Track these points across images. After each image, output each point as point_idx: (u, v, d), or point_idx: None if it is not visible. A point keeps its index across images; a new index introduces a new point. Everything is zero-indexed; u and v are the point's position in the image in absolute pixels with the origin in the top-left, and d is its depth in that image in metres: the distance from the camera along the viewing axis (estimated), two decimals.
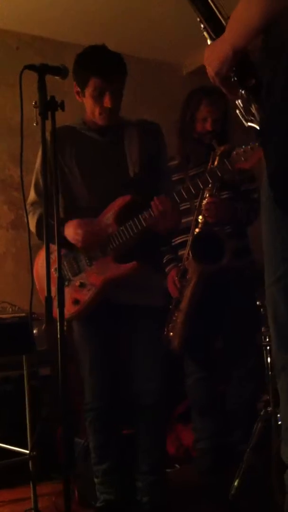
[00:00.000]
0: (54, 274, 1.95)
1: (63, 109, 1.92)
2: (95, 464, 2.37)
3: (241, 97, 1.47)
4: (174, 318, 2.81)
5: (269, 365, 2.36)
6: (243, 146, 2.17)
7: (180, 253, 2.94)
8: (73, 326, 2.41)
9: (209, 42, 1.53)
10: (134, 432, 2.36)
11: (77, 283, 2.32)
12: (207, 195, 2.77)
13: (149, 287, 2.33)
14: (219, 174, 2.25)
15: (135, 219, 2.23)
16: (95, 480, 2.38)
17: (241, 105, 1.47)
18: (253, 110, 1.45)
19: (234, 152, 2.19)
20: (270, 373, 2.35)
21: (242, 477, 2.30)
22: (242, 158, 2.15)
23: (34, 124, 1.87)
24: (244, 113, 1.47)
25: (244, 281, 2.83)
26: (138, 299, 2.30)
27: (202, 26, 1.55)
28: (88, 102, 2.30)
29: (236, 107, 1.48)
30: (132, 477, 2.34)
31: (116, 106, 2.31)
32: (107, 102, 2.25)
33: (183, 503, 2.43)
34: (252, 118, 1.46)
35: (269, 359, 2.37)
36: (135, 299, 2.30)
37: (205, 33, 1.54)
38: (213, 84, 1.53)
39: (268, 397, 2.34)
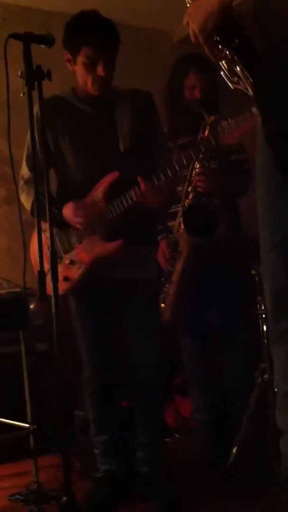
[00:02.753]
0: (47, 251, 1.93)
1: (50, 78, 1.88)
2: (94, 435, 2.40)
3: (225, 58, 1.41)
4: (165, 290, 2.80)
5: (265, 334, 2.36)
6: (229, 119, 2.11)
7: (170, 223, 2.90)
8: (69, 301, 2.40)
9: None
10: (133, 405, 2.37)
11: (67, 261, 2.32)
12: (198, 165, 2.73)
13: (140, 261, 2.31)
14: (213, 144, 2.21)
15: (122, 196, 2.20)
16: (95, 451, 2.41)
17: (226, 66, 1.42)
18: (238, 71, 1.40)
19: (219, 126, 2.14)
20: (266, 341, 2.36)
21: (240, 446, 2.31)
22: (226, 131, 2.09)
23: (21, 95, 1.83)
24: (228, 75, 1.42)
25: (237, 253, 2.81)
26: (129, 273, 2.28)
27: None
28: (80, 70, 2.24)
29: (220, 68, 1.43)
30: (132, 447, 2.35)
31: (110, 75, 2.25)
32: (100, 71, 2.19)
33: (183, 473, 2.46)
34: (237, 79, 1.42)
35: (265, 327, 2.37)
36: (125, 273, 2.28)
37: None
38: (194, 41, 1.46)
39: (264, 365, 2.35)
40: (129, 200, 2.19)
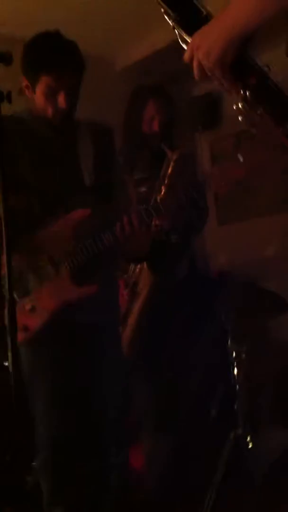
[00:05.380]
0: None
1: (9, 101, 1.66)
2: (48, 505, 2.10)
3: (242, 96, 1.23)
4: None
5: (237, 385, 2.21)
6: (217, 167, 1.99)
7: None
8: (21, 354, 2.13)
9: (179, 34, 1.30)
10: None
11: (28, 307, 2.05)
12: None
13: (104, 302, 2.10)
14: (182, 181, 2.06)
15: (97, 237, 1.99)
16: None
17: (244, 106, 1.24)
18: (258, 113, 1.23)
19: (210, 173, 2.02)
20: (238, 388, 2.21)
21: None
22: (219, 178, 1.96)
23: None
24: (247, 119, 1.26)
25: (196, 293, 2.69)
26: (94, 316, 2.06)
27: (172, 18, 1.33)
28: (39, 99, 2.02)
29: (239, 112, 1.26)
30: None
31: (72, 105, 2.05)
32: (61, 102, 1.99)
33: None
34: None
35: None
36: (88, 317, 2.05)
37: (175, 27, 1.29)
38: (200, 78, 1.30)
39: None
40: (105, 243, 1.98)
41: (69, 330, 2.06)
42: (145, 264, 2.55)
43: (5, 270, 1.63)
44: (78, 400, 2.08)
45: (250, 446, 2.10)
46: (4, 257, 1.63)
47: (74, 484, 2.09)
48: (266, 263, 3.41)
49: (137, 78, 3.53)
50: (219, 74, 1.22)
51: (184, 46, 1.30)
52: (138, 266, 2.62)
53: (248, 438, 2.12)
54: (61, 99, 1.98)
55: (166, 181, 2.54)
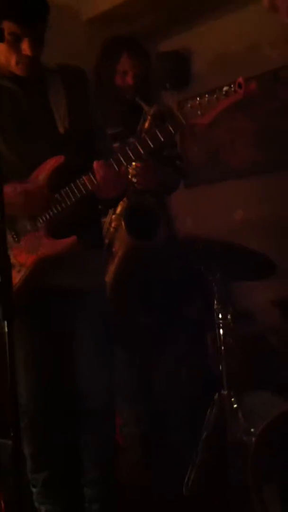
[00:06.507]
0: None
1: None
2: (32, 472, 2.04)
3: None
4: None
5: (221, 344, 2.17)
6: (198, 98, 1.85)
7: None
8: None
9: None
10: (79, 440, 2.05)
11: None
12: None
13: (88, 266, 2.00)
14: (160, 138, 1.93)
15: (73, 184, 1.88)
16: (33, 489, 2.05)
17: None
18: None
19: (188, 105, 1.87)
20: (222, 350, 2.16)
21: (197, 470, 2.11)
22: (199, 112, 1.83)
23: None
24: None
25: (176, 253, 2.61)
26: (76, 281, 1.97)
27: None
28: (1, 47, 1.87)
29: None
30: (79, 483, 2.05)
31: (37, 53, 1.91)
32: (26, 49, 1.85)
33: (136, 505, 2.20)
34: None
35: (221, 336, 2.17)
36: (72, 281, 1.96)
37: None
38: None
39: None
40: (82, 189, 1.86)
41: (48, 296, 1.96)
42: (122, 224, 2.45)
43: None
44: (56, 370, 2.01)
45: (235, 406, 2.07)
46: None
47: (57, 450, 2.02)
48: (233, 227, 3.38)
49: (104, 29, 3.37)
50: None
51: None
52: (113, 225, 2.52)
53: (233, 399, 2.08)
54: (25, 46, 1.85)
55: (143, 136, 2.43)
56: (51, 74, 2.02)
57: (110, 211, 2.50)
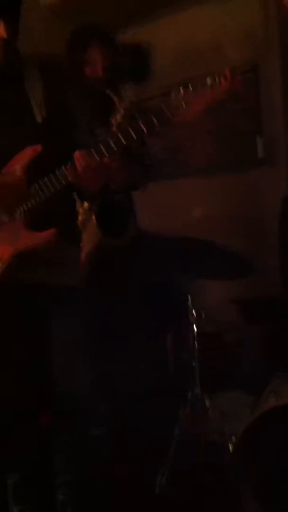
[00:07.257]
0: None
1: None
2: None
3: None
4: None
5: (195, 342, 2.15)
6: (181, 88, 1.77)
7: None
8: None
9: None
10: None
11: None
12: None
13: (66, 262, 1.94)
14: (133, 136, 1.87)
15: (53, 174, 1.80)
16: None
17: None
18: None
19: (172, 97, 1.81)
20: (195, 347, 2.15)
21: (169, 469, 2.09)
22: (184, 104, 1.75)
23: None
24: None
25: (140, 250, 2.58)
26: (55, 277, 1.89)
27: None
28: None
29: None
30: (51, 486, 1.97)
31: (13, 37, 1.81)
32: (1, 31, 1.76)
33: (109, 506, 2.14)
34: None
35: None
36: (50, 277, 1.89)
37: None
38: None
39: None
40: (61, 180, 1.79)
41: (24, 292, 1.87)
42: (92, 219, 2.38)
43: None
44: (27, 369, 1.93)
45: (207, 405, 2.06)
46: None
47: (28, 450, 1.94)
48: (192, 224, 3.38)
49: (64, 17, 3.27)
50: None
51: None
52: (79, 219, 2.45)
53: (205, 399, 2.07)
54: (1, 28, 1.75)
55: (115, 129, 2.38)
56: (27, 61, 1.93)
57: (78, 204, 2.43)
